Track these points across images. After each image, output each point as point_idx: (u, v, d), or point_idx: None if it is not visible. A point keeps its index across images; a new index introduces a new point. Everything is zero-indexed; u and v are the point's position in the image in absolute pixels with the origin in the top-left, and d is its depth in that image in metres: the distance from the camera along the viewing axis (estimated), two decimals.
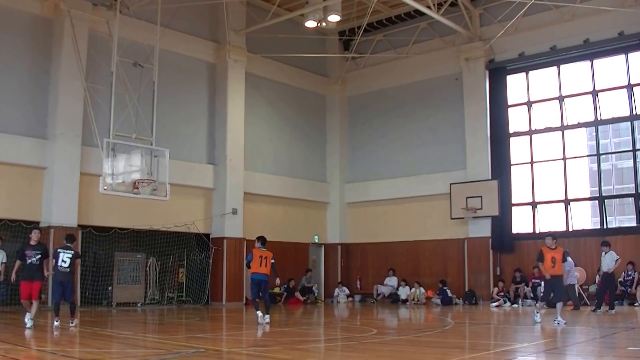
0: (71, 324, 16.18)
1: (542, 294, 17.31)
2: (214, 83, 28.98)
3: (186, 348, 11.86)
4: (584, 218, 34.58)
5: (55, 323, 15.86)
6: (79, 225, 23.74)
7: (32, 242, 16.02)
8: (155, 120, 22.93)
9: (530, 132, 28.56)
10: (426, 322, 20.49)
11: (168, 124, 26.00)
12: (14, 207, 22.80)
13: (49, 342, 13.59)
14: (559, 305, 16.94)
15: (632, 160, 27.83)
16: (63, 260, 16.34)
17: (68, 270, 16.46)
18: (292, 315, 23.39)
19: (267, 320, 17.81)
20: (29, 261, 15.65)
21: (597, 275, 23.42)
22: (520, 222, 28.50)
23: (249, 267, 18.47)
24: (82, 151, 23.96)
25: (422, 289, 28.81)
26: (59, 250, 16.57)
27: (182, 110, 27.65)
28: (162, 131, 24.19)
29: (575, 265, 24.87)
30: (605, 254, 21.22)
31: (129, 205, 24.46)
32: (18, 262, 15.99)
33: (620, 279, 24.10)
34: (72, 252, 16.59)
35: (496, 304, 25.85)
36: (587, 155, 35.03)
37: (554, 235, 17.76)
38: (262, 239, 18.86)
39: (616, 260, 21.23)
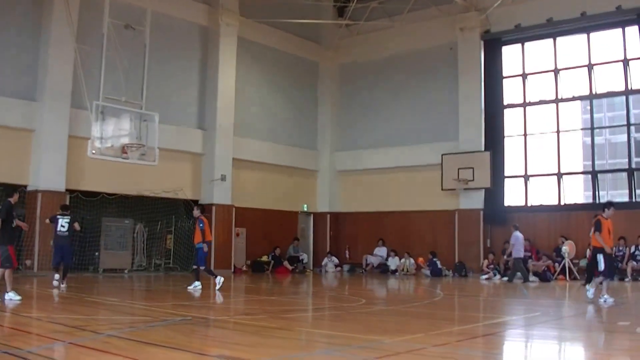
0: (62, 285, 17.32)
1: (603, 269, 15.96)
2: (206, 47, 28.62)
3: (173, 316, 11.74)
4: (576, 192, 34.48)
5: (55, 281, 17.55)
6: (67, 190, 23.53)
7: (14, 202, 14.80)
8: (146, 84, 22.66)
9: (524, 104, 28.38)
10: (415, 293, 20.44)
11: (158, 88, 25.65)
12: (1, 170, 22.50)
13: (34, 309, 13.45)
14: (606, 281, 15.80)
15: (626, 134, 27.70)
16: (62, 225, 17.64)
17: (67, 234, 17.80)
18: (279, 284, 23.31)
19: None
20: (14, 224, 14.74)
21: (588, 250, 23.34)
22: (513, 195, 28.36)
23: (204, 236, 18.38)
24: (71, 114, 23.65)
25: (411, 260, 28.76)
26: (58, 216, 17.86)
27: (172, 74, 27.30)
28: (152, 95, 23.88)
29: (566, 239, 24.87)
30: None
31: (117, 170, 24.18)
32: None
33: None
34: (69, 216, 17.82)
35: (486, 276, 25.79)
36: (581, 129, 34.92)
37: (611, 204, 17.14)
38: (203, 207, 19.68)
39: None
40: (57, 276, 17.73)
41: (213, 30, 28.44)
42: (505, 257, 25.08)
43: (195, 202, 27.56)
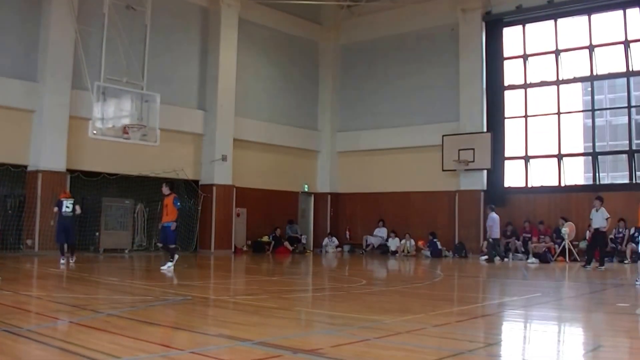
0: (71, 261, 18.94)
1: None
2: (207, 28, 28.52)
3: (173, 295, 11.78)
4: (577, 173, 34.49)
5: (62, 261, 18.60)
6: (67, 170, 23.56)
7: None
8: (147, 65, 22.60)
9: (525, 86, 28.31)
10: (415, 274, 20.47)
11: (159, 69, 25.56)
12: (1, 151, 22.49)
13: (35, 287, 13.50)
14: None
15: (626, 116, 27.66)
16: (67, 207, 19.10)
17: (71, 214, 19.21)
18: (280, 265, 23.35)
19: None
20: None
21: (588, 231, 23.40)
22: (513, 176, 28.35)
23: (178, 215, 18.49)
24: (72, 94, 23.60)
25: (412, 241, 28.78)
26: (62, 199, 19.14)
27: (173, 54, 27.23)
28: (153, 75, 23.81)
29: (566, 221, 24.88)
30: (597, 210, 21.05)
31: (118, 151, 24.22)
32: None
33: (611, 236, 24.06)
34: (73, 199, 19.22)
35: (485, 257, 25.80)
36: (582, 111, 34.90)
37: None
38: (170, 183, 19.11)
39: (607, 219, 21.06)
40: (63, 260, 18.73)
41: (214, 11, 28.32)
42: (488, 238, 25.31)
43: (196, 182, 27.68)
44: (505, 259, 25.27)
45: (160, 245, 18.49)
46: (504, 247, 26.36)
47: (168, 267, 17.53)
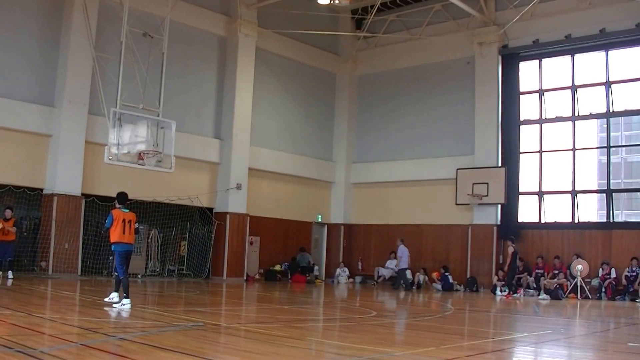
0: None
1: None
2: (224, 57, 28.77)
3: (185, 321, 11.80)
4: (591, 210, 34.32)
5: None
6: (82, 194, 23.71)
7: None
8: (163, 92, 22.76)
9: (540, 121, 28.29)
10: (426, 307, 20.42)
11: (175, 96, 25.79)
12: (18, 174, 22.74)
13: (48, 310, 13.56)
14: None
15: None
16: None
17: None
18: (291, 294, 23.33)
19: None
20: None
21: (600, 269, 23.31)
22: (526, 211, 28.28)
23: (107, 233, 14.15)
24: (88, 120, 23.88)
25: (425, 277, 28.67)
26: None
27: (190, 82, 27.49)
28: (170, 103, 23.98)
29: (578, 258, 24.80)
30: None
31: (133, 176, 24.32)
32: None
33: (625, 274, 23.94)
34: None
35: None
36: (597, 147, 34.77)
37: None
38: (122, 196, 14.70)
39: None
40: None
41: (231, 40, 28.59)
42: (395, 268, 28.10)
43: (210, 210, 27.78)
44: (409, 290, 26.89)
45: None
46: (515, 282, 26.26)
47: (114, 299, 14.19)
